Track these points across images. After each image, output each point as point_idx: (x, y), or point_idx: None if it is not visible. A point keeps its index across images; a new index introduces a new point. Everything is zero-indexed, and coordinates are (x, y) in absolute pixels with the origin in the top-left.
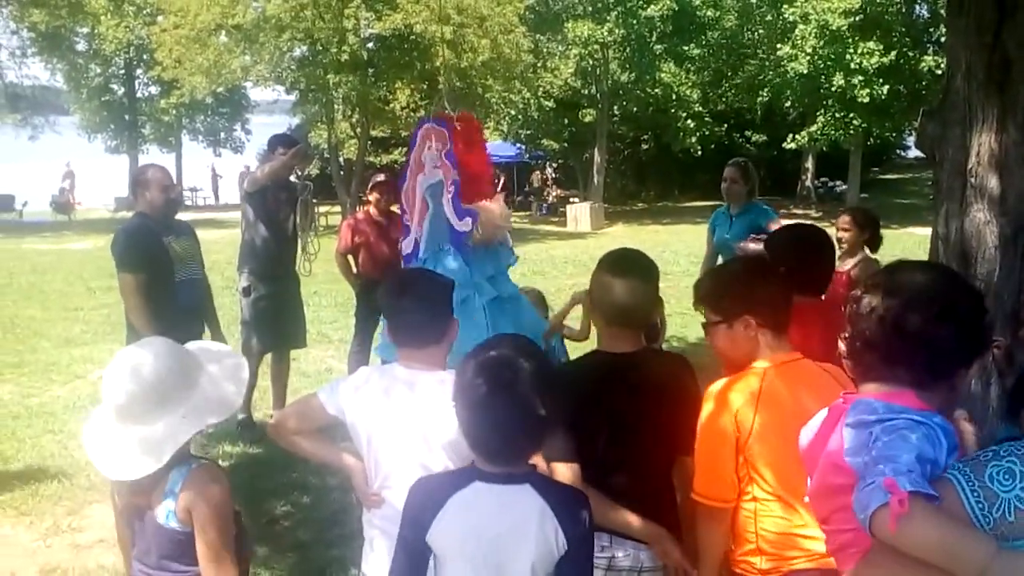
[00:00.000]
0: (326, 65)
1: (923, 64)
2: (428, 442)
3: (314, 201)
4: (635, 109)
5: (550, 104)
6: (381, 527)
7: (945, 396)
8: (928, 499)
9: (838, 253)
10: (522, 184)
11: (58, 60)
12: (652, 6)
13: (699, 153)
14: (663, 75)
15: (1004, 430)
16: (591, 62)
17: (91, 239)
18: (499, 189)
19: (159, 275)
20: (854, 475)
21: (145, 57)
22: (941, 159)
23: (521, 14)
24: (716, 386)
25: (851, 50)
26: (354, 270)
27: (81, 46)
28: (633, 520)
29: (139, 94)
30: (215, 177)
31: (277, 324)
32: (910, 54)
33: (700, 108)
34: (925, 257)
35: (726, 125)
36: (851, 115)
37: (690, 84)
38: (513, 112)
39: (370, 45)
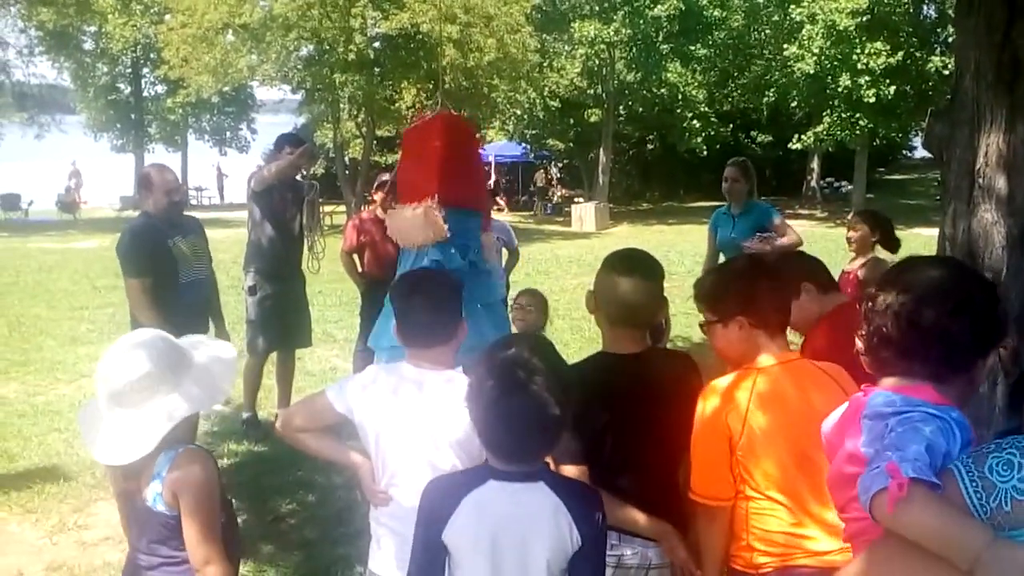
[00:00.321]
0: (332, 64)
1: (930, 64)
2: (436, 441)
3: (320, 201)
4: (641, 109)
5: (556, 104)
6: (388, 525)
7: (964, 389)
8: (931, 487)
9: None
10: (527, 184)
11: (65, 59)
12: (659, 6)
13: (704, 153)
14: (669, 75)
15: (1005, 423)
16: (597, 62)
17: (96, 238)
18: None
19: (163, 277)
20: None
21: (152, 56)
22: (949, 159)
23: (528, 14)
24: (710, 386)
25: (858, 50)
26: (359, 269)
27: (88, 45)
28: (640, 518)
29: (145, 93)
30: (220, 176)
31: (282, 323)
32: (917, 54)
33: (706, 108)
34: None
35: (732, 125)
36: (857, 115)
37: (696, 84)
38: (519, 112)
39: (376, 44)
